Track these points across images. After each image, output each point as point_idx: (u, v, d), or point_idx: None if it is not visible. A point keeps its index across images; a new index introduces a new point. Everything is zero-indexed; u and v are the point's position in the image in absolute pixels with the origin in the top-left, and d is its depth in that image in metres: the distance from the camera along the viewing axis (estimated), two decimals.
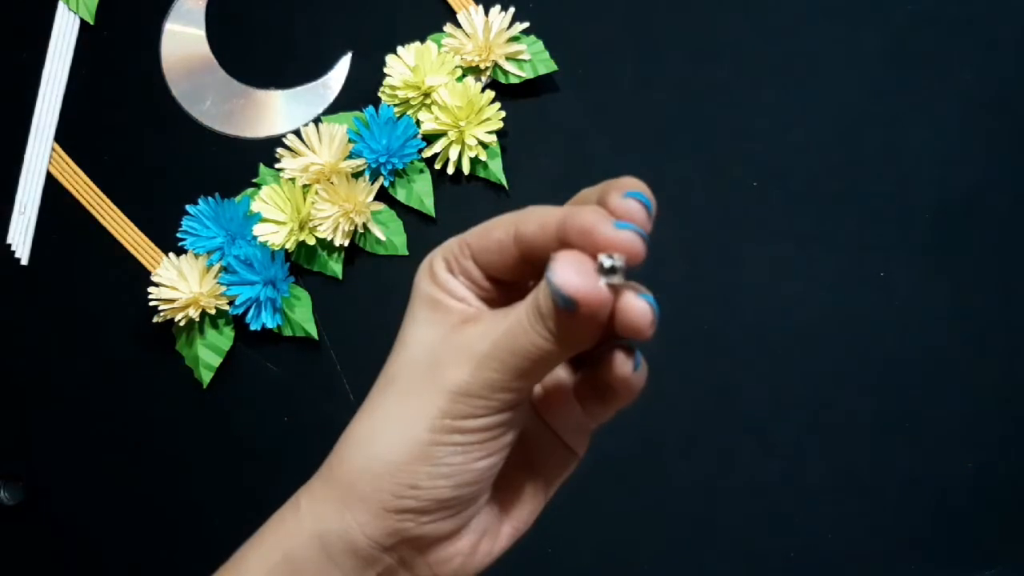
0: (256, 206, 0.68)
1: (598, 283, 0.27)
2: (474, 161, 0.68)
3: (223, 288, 0.68)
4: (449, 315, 0.31)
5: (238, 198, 0.69)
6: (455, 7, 0.69)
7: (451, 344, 0.30)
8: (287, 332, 0.69)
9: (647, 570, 0.66)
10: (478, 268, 0.31)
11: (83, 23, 0.73)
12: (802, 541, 0.65)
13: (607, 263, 0.27)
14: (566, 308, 0.27)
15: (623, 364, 0.30)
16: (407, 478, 0.29)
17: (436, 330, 0.31)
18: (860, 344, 0.66)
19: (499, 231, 0.30)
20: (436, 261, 0.32)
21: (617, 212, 0.28)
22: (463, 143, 0.68)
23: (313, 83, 0.71)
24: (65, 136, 0.72)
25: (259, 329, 0.68)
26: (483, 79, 0.68)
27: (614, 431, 0.65)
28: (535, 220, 0.29)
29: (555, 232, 0.28)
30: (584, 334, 0.28)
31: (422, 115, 0.68)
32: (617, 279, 0.27)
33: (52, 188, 0.72)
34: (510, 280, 0.32)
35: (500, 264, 0.31)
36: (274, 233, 0.67)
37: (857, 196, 0.66)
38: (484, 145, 0.68)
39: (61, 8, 0.73)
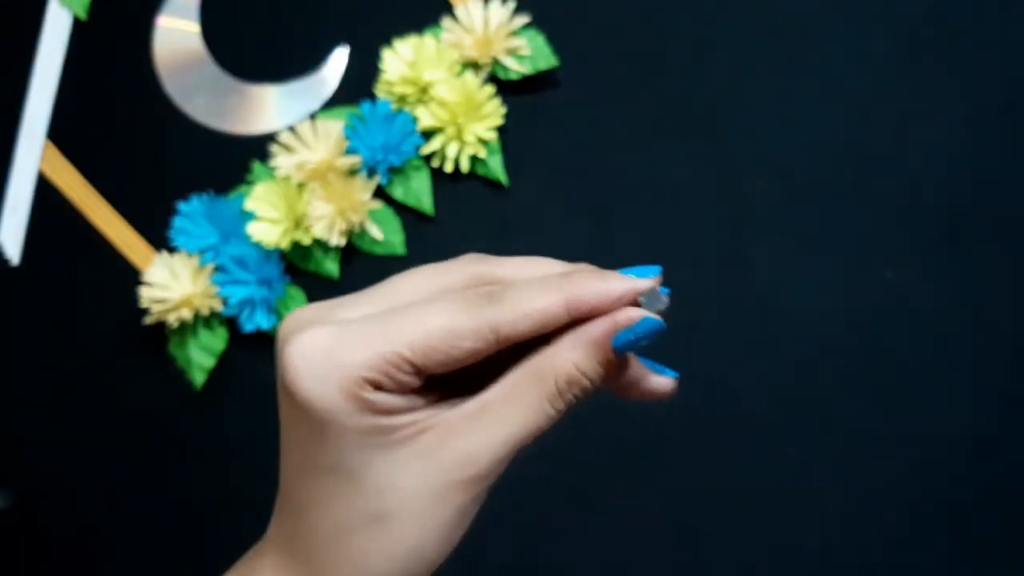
0: (250, 204, 0.67)
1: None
2: (473, 158, 0.67)
3: (216, 288, 0.66)
4: (396, 431, 0.29)
5: (232, 196, 0.68)
6: (454, 1, 0.68)
7: (443, 458, 0.29)
8: None
9: (646, 573, 0.66)
10: (420, 377, 0.29)
11: (75, 19, 0.72)
12: (806, 545, 0.64)
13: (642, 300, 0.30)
14: (641, 339, 0.29)
15: (662, 383, 0.32)
16: (432, 566, 0.30)
17: (389, 453, 0.29)
18: (866, 344, 0.65)
19: (470, 341, 0.28)
20: (354, 384, 0.29)
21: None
22: (462, 140, 0.66)
23: (309, 78, 0.70)
24: (56, 133, 0.71)
25: (253, 330, 0.67)
26: (482, 74, 0.67)
27: (615, 432, 0.65)
28: (523, 316, 0.29)
29: (564, 312, 0.29)
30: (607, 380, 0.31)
31: (420, 111, 0.66)
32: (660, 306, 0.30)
33: (43, 186, 0.71)
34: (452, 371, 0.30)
35: (461, 363, 0.29)
36: (268, 232, 0.66)
37: (864, 195, 0.65)
38: (483, 142, 0.67)
39: (53, 4, 0.72)
